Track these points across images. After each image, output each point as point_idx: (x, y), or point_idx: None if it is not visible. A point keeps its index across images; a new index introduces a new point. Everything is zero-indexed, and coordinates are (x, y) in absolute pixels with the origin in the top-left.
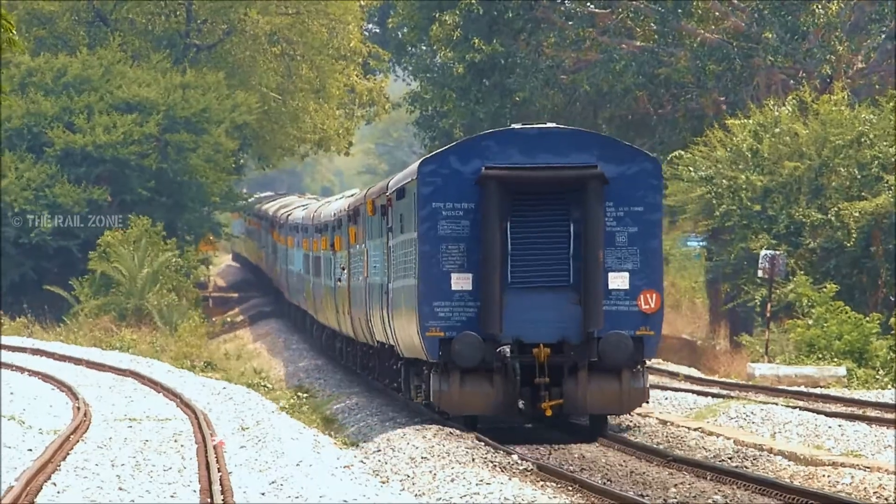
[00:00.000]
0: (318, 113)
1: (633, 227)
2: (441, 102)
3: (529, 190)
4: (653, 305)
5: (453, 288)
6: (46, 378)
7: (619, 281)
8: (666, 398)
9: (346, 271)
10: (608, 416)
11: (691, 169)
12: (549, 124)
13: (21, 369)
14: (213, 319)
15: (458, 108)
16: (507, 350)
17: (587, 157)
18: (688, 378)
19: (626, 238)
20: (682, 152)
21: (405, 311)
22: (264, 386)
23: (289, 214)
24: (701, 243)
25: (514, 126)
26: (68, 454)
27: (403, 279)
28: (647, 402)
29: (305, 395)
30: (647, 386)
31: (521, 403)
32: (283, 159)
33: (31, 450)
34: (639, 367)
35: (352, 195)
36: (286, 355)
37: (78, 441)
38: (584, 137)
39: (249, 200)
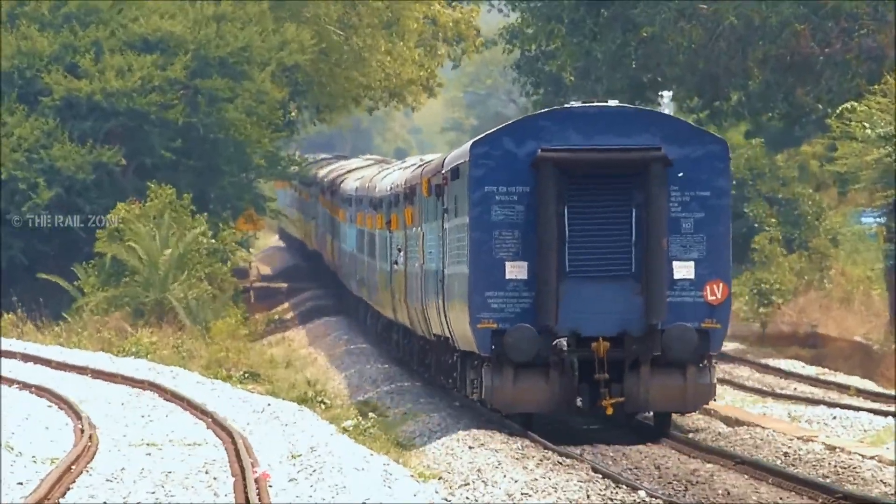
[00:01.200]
0: (390, 53)
1: (699, 213)
2: (547, 39)
3: (588, 173)
4: (719, 296)
5: (507, 277)
6: (42, 392)
7: (684, 270)
8: (834, 417)
9: (402, 254)
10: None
11: (866, 125)
12: (611, 102)
13: (10, 381)
14: (256, 317)
15: (569, 47)
16: (564, 343)
17: (650, 138)
18: (861, 392)
19: (691, 225)
20: (855, 103)
21: (458, 300)
22: (321, 402)
23: (342, 181)
24: (879, 220)
25: (571, 104)
26: (69, 489)
27: (457, 266)
28: (715, 399)
29: (374, 413)
30: (714, 382)
31: (578, 401)
32: (345, 113)
33: (21, 483)
34: (705, 361)
35: (415, 165)
36: (349, 362)
37: (81, 472)
38: (646, 117)
39: (303, 165)
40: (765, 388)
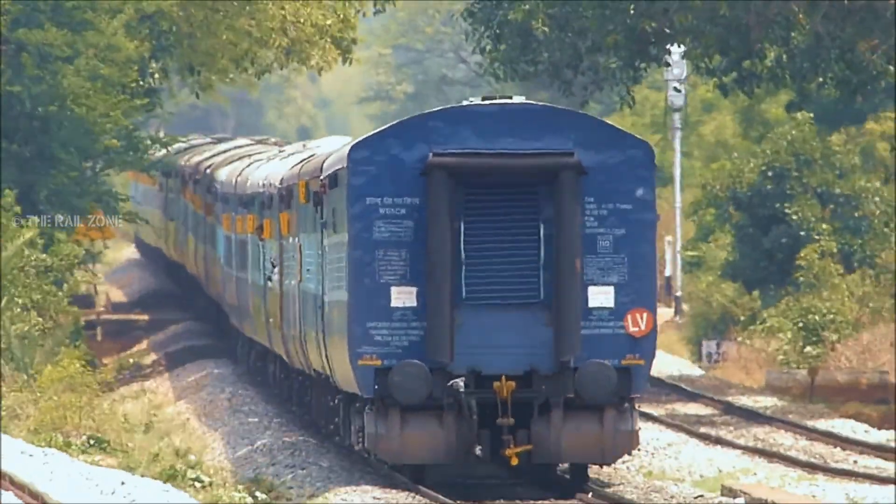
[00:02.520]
0: None
1: (619, 230)
2: None
3: (488, 182)
4: (643, 327)
5: (393, 304)
6: None
7: (601, 297)
8: None
9: (277, 269)
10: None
11: None
12: (515, 99)
13: None
14: (105, 361)
15: None
16: (461, 383)
17: (561, 142)
18: None
19: (610, 243)
20: None
21: (337, 331)
22: (195, 480)
23: (211, 169)
24: None
25: (468, 102)
26: None
27: (336, 291)
28: (638, 449)
29: (267, 494)
30: (637, 428)
31: (478, 450)
32: (227, 78)
33: None
34: (626, 404)
35: (295, 157)
36: (234, 424)
37: None
38: (557, 116)
39: (169, 150)
40: (814, 461)
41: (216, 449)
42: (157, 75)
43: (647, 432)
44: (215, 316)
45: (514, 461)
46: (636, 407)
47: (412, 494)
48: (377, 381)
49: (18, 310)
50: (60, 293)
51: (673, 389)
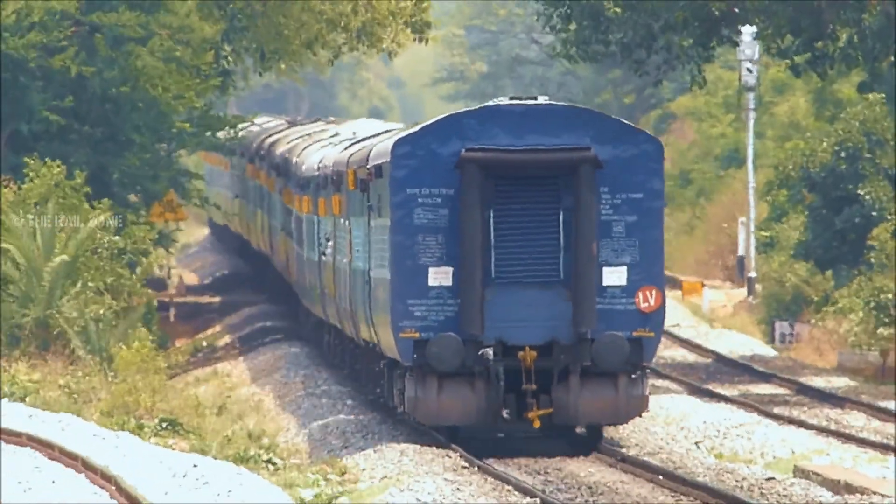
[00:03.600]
0: None
1: (631, 217)
2: None
3: (515, 174)
4: (652, 303)
5: (430, 283)
6: None
7: (615, 276)
8: None
9: (331, 243)
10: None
11: None
12: (540, 100)
13: None
14: (178, 344)
15: None
16: (490, 353)
17: (580, 138)
18: None
19: (623, 228)
20: None
21: (381, 306)
22: (268, 462)
23: (302, 155)
24: None
25: (498, 102)
26: None
27: (381, 269)
28: (647, 411)
29: (342, 476)
30: (647, 393)
31: (505, 412)
32: (300, 61)
33: None
34: (638, 372)
35: (344, 143)
36: (307, 406)
37: None
38: (576, 114)
39: (243, 131)
40: (887, 442)
41: (290, 431)
42: (228, 58)
43: (718, 412)
44: (291, 305)
45: (537, 423)
46: (647, 375)
47: (484, 477)
48: (416, 351)
49: (92, 293)
50: (133, 276)
51: (745, 370)
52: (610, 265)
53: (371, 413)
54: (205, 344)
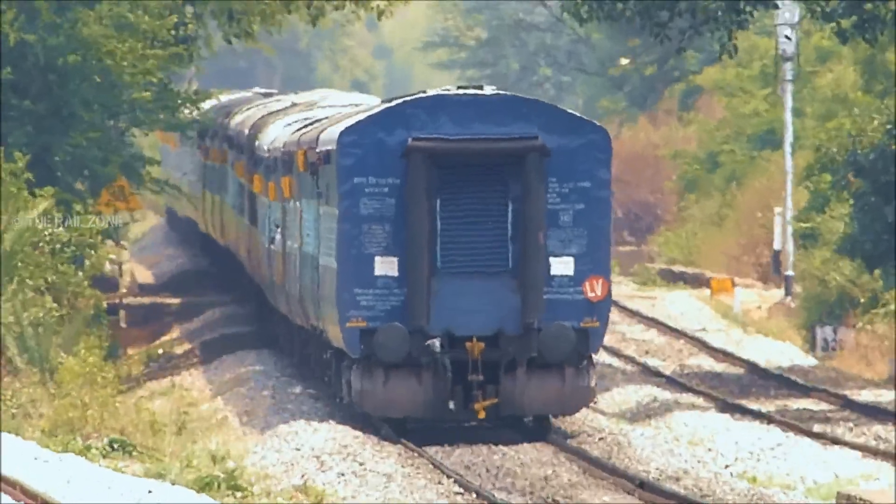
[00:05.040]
0: None
1: (579, 205)
2: None
3: (461, 164)
4: (599, 293)
5: (376, 273)
6: None
7: (562, 266)
8: None
9: (280, 230)
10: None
11: None
12: (487, 90)
13: None
14: (130, 352)
15: None
16: (437, 344)
17: (527, 127)
18: None
19: (570, 218)
20: None
21: (328, 295)
22: (233, 488)
23: (236, 124)
24: None
25: (444, 91)
26: None
27: (328, 258)
28: (595, 402)
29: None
30: (594, 384)
31: (451, 404)
32: (273, 25)
33: None
34: (584, 362)
35: (296, 122)
36: (278, 423)
37: None
38: (523, 104)
39: (207, 106)
40: None
41: (258, 453)
42: (190, 24)
43: (752, 431)
44: (259, 306)
45: (482, 414)
46: (593, 365)
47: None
48: (363, 341)
49: (31, 293)
50: (79, 273)
51: (782, 382)
52: (557, 255)
53: (352, 431)
54: (161, 352)
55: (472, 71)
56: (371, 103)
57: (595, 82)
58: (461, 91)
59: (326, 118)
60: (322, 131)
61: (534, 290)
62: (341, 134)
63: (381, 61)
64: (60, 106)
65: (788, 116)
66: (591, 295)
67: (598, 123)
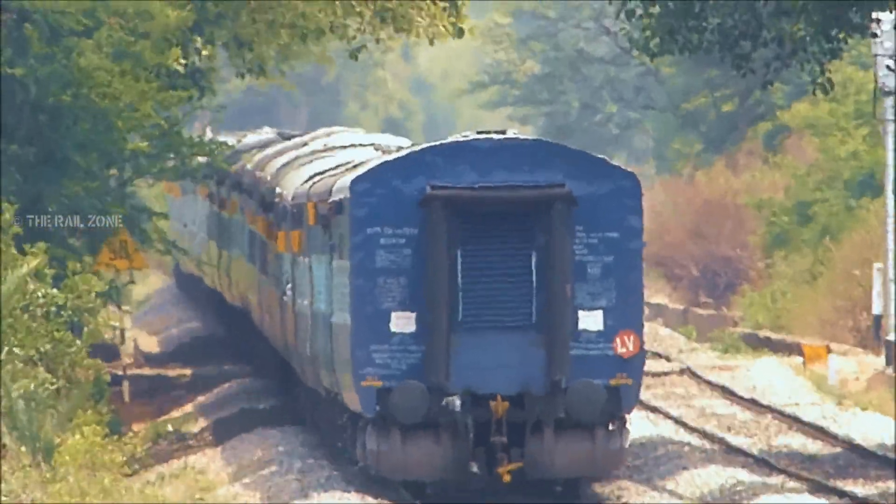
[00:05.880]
0: None
1: (607, 257)
2: None
3: (483, 213)
4: (631, 348)
5: (393, 329)
6: None
7: (590, 320)
8: None
9: (290, 286)
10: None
11: None
12: (510, 133)
13: None
14: (135, 429)
15: None
16: (457, 402)
17: (552, 174)
18: None
19: (599, 269)
20: None
21: (342, 353)
22: None
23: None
24: None
25: (464, 136)
26: None
27: (341, 313)
28: (626, 464)
29: None
30: (626, 445)
31: (474, 466)
32: (296, 56)
33: None
34: (616, 422)
35: (306, 175)
36: None
37: None
38: (548, 150)
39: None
40: None
41: None
42: (202, 52)
43: None
44: (281, 377)
45: (507, 478)
46: (626, 424)
47: None
48: (379, 401)
49: (21, 364)
50: (77, 341)
51: (884, 462)
52: (585, 308)
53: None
54: (170, 429)
55: (527, 108)
56: (394, 144)
57: (666, 120)
58: (483, 136)
59: (336, 167)
60: (334, 183)
61: (560, 345)
62: (353, 181)
63: (418, 98)
64: (53, 150)
65: (890, 159)
66: (621, 351)
67: (628, 168)
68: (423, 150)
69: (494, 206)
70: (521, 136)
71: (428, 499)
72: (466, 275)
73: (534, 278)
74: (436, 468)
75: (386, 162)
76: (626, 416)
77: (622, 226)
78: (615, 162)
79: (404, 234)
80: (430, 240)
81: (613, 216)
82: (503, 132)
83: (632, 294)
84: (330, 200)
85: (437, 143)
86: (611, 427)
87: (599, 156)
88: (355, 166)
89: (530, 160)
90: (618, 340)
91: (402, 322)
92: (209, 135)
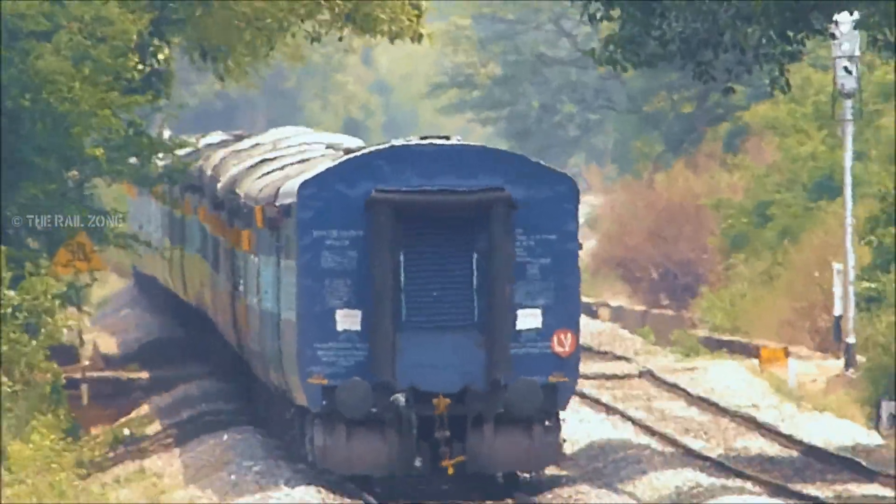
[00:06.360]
0: None
1: (545, 259)
2: None
3: (426, 216)
4: (567, 347)
5: (339, 328)
6: None
7: (529, 320)
8: None
9: (242, 282)
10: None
11: None
12: (453, 139)
13: None
14: (92, 432)
15: None
16: (402, 399)
17: (494, 179)
18: None
19: (537, 270)
20: None
21: (289, 351)
22: None
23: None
24: None
25: (408, 141)
26: None
27: (289, 312)
28: (563, 458)
29: None
30: (561, 440)
31: (418, 460)
32: (261, 61)
33: None
34: (553, 418)
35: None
36: None
37: None
38: (489, 155)
39: (180, 154)
40: None
41: None
42: (160, 55)
43: None
44: (241, 378)
45: (451, 471)
46: (561, 420)
47: None
48: (325, 397)
49: None
50: (34, 343)
51: (844, 465)
52: (524, 308)
53: None
54: (128, 433)
55: (487, 112)
56: (348, 144)
57: (627, 121)
58: (426, 141)
59: (287, 165)
60: (280, 187)
61: (500, 344)
62: (301, 186)
63: (378, 97)
64: (11, 153)
65: (849, 160)
66: (559, 349)
67: (565, 173)
68: (367, 154)
69: (437, 209)
70: (464, 143)
71: (379, 497)
72: (410, 276)
73: (475, 279)
74: (381, 463)
75: (331, 167)
76: (561, 411)
77: (560, 228)
78: (554, 167)
79: (350, 237)
80: (375, 242)
81: (551, 219)
82: (447, 138)
83: (569, 294)
84: (277, 204)
85: (382, 147)
86: (547, 423)
87: (539, 161)
88: (302, 169)
89: (472, 165)
90: (555, 339)
91: (348, 321)
92: (166, 134)
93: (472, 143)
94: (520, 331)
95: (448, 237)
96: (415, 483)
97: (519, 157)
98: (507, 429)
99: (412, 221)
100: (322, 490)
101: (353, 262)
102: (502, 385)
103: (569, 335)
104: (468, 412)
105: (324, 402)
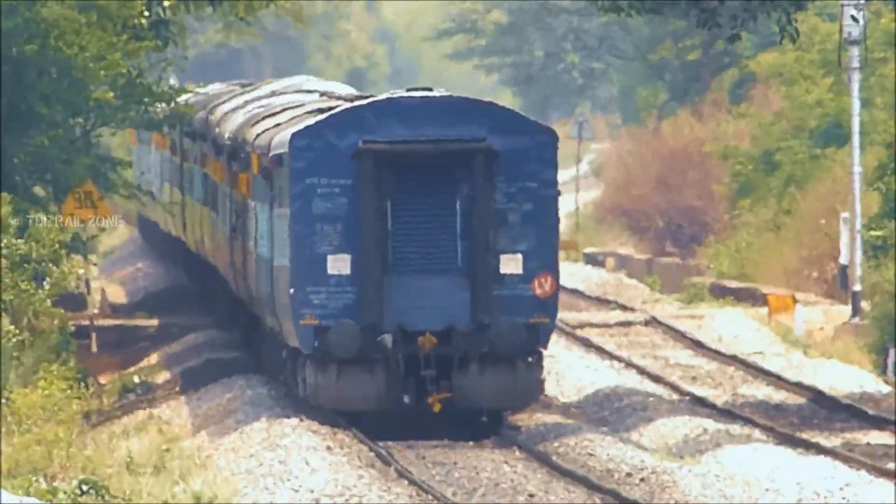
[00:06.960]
0: None
1: (526, 205)
2: None
3: (410, 165)
4: (547, 289)
5: (329, 272)
6: None
7: (511, 264)
8: None
9: (240, 222)
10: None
11: None
12: (436, 92)
13: None
14: (101, 380)
15: None
16: (389, 339)
17: (476, 129)
18: None
19: (518, 217)
20: None
21: (282, 294)
22: None
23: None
24: None
25: (393, 94)
26: None
27: (282, 258)
28: (543, 395)
29: None
30: (543, 378)
31: (405, 398)
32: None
33: None
34: (534, 357)
35: (255, 114)
36: (273, 462)
37: None
38: (472, 106)
39: (186, 101)
40: None
41: (249, 495)
42: (164, 2)
43: (817, 469)
44: (248, 328)
45: (437, 408)
46: (542, 360)
47: None
48: (316, 338)
49: None
50: (41, 291)
51: (851, 412)
52: (506, 252)
53: (356, 470)
54: (137, 381)
55: (492, 59)
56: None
57: (631, 69)
58: (410, 94)
59: (281, 112)
60: (273, 137)
61: (483, 287)
62: (293, 137)
63: (383, 46)
64: (17, 102)
65: (856, 108)
66: (539, 292)
67: (545, 124)
68: (355, 107)
69: (421, 158)
70: (447, 94)
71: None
72: (396, 222)
73: (458, 225)
74: (370, 400)
75: (321, 119)
76: (543, 350)
77: (539, 177)
78: (533, 118)
79: (339, 185)
80: (362, 190)
81: (532, 168)
82: (430, 90)
83: (548, 239)
84: (271, 154)
85: (369, 100)
86: (529, 360)
87: (520, 113)
88: (294, 119)
89: (455, 116)
90: (536, 282)
91: (339, 265)
92: (172, 82)
93: (455, 95)
94: (503, 275)
95: (432, 185)
96: (404, 422)
97: (501, 108)
98: (491, 367)
99: (397, 170)
100: (320, 427)
101: (343, 208)
102: (486, 325)
103: (549, 278)
104: (454, 352)
105: (315, 344)
